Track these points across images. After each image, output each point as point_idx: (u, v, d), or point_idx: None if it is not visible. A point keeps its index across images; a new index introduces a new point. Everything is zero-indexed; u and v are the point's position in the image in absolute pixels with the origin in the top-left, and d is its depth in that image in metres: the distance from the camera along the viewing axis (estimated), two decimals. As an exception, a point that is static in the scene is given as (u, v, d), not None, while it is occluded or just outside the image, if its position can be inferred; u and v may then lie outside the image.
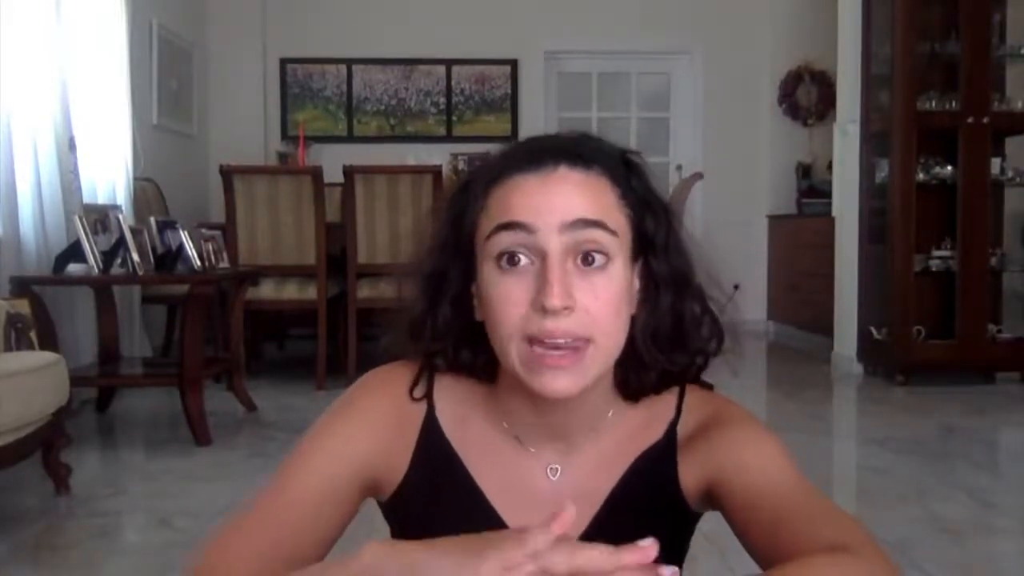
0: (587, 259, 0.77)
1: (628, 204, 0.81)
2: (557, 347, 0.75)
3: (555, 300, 0.74)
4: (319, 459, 0.83)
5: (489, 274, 0.78)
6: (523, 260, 0.76)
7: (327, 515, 0.81)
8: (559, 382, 0.76)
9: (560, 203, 0.76)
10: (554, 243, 0.75)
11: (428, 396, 0.89)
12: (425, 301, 0.86)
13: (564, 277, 0.75)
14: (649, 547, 0.60)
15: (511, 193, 0.78)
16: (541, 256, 0.76)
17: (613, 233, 0.78)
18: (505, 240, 0.77)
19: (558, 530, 0.61)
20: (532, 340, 0.76)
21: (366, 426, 0.86)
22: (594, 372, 0.78)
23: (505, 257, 0.77)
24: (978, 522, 2.56)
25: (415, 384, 0.88)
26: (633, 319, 0.83)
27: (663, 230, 0.83)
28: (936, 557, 2.21)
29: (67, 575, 2.18)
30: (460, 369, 0.88)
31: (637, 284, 0.84)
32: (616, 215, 0.79)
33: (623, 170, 0.83)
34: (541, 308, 0.74)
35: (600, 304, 0.76)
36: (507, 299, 0.77)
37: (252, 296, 4.30)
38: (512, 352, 0.77)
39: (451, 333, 0.86)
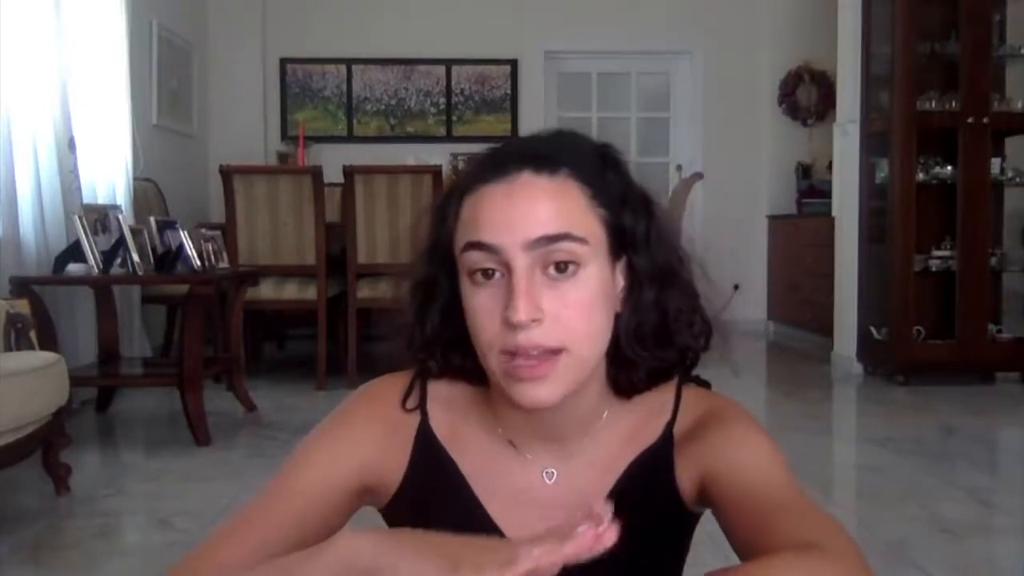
0: (557, 267, 0.76)
1: (601, 203, 0.79)
2: (531, 356, 0.75)
3: (520, 315, 0.74)
4: (312, 469, 0.83)
5: (465, 287, 0.79)
6: (494, 274, 0.77)
7: (319, 522, 0.81)
8: (538, 392, 0.76)
9: (523, 217, 0.75)
10: (519, 260, 0.75)
11: (421, 406, 0.89)
12: (416, 308, 0.86)
13: (530, 289, 0.75)
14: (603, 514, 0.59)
15: (478, 206, 0.78)
16: (509, 269, 0.76)
17: (582, 241, 0.76)
18: (474, 257, 0.77)
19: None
20: (507, 353, 0.76)
21: (360, 437, 0.86)
22: (572, 379, 0.78)
23: (477, 272, 0.77)
24: (978, 522, 2.56)
25: (408, 395, 0.89)
26: (618, 317, 0.83)
27: (643, 224, 0.82)
28: (936, 557, 2.21)
29: (67, 575, 2.18)
30: (452, 373, 0.88)
31: (622, 282, 0.83)
32: (586, 219, 0.78)
33: (598, 167, 0.81)
34: (509, 323, 0.74)
35: (570, 312, 0.76)
36: (482, 314, 0.77)
37: (252, 296, 4.30)
38: (492, 364, 0.78)
39: (441, 339, 0.86)
